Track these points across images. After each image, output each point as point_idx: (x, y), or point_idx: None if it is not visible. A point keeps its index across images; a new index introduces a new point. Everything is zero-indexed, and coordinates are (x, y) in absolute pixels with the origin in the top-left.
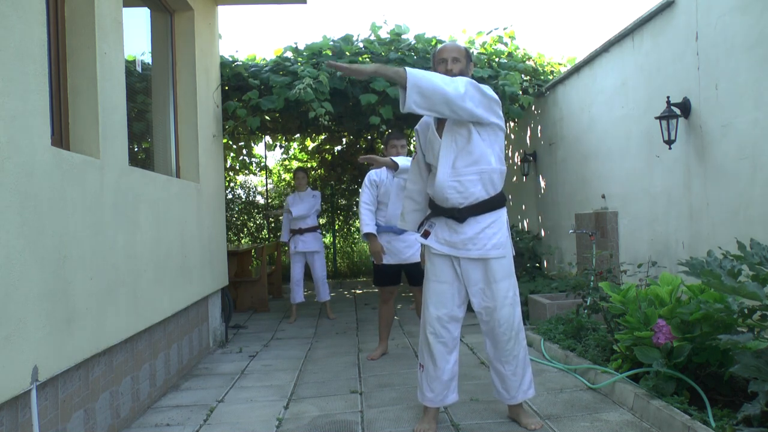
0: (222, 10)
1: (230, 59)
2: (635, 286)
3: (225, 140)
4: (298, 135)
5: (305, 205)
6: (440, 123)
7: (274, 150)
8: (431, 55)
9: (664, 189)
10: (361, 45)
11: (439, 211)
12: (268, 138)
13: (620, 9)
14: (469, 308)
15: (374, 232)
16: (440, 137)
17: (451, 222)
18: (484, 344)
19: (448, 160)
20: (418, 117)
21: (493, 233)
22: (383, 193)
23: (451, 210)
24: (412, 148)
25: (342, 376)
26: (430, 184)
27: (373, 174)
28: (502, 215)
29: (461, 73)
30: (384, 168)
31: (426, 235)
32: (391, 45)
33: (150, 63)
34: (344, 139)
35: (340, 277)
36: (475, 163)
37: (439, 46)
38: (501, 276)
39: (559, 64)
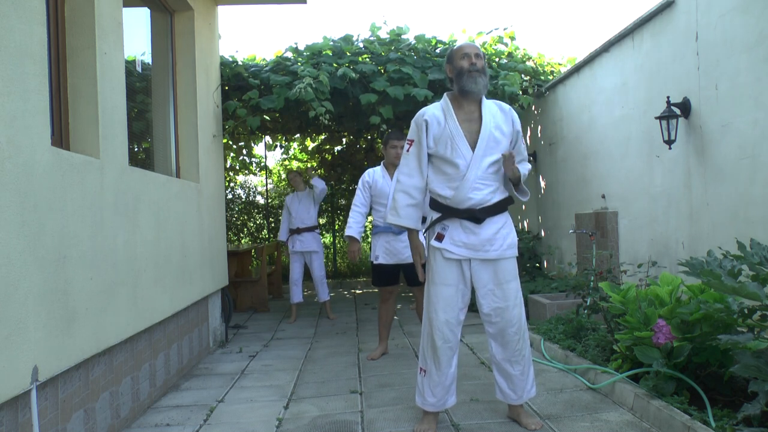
0: (222, 10)
1: (230, 59)
2: (635, 286)
3: (225, 140)
4: (298, 135)
5: (303, 206)
6: (462, 115)
7: (274, 150)
8: (448, 55)
9: (664, 189)
10: (361, 45)
11: (452, 212)
12: (268, 138)
13: (620, 9)
14: (470, 309)
15: (355, 236)
16: (466, 136)
17: (466, 223)
18: (489, 347)
19: (483, 162)
20: None
21: (507, 233)
22: (378, 194)
23: (469, 211)
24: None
25: (342, 376)
26: (443, 181)
27: (366, 175)
28: (509, 216)
29: (483, 69)
30: (378, 168)
31: (440, 238)
32: (391, 45)
33: (150, 63)
34: (344, 139)
35: (340, 277)
36: (497, 171)
37: (456, 45)
38: (511, 276)
39: (559, 64)
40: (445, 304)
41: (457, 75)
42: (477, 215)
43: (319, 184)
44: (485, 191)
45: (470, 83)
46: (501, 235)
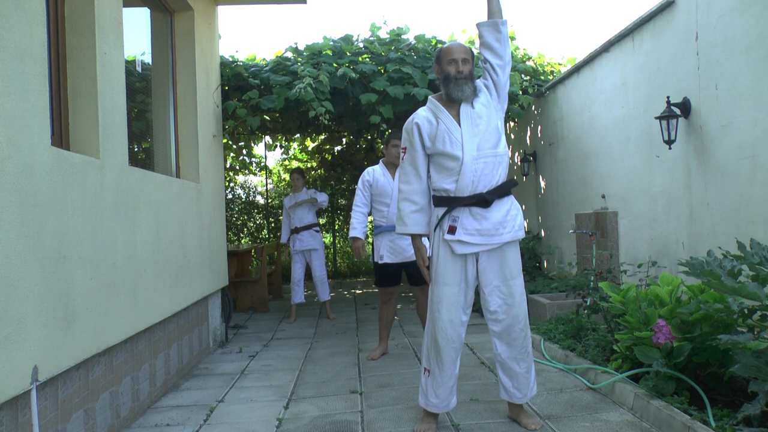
0: (222, 10)
1: (230, 59)
2: (635, 286)
3: (225, 140)
4: (298, 135)
5: (301, 206)
6: (452, 111)
7: (274, 150)
8: (436, 55)
9: (664, 189)
10: (361, 45)
11: (459, 202)
12: (268, 138)
13: (620, 9)
14: (473, 309)
15: (360, 236)
16: (459, 124)
17: (475, 210)
18: (494, 347)
19: (473, 142)
20: None
21: (515, 215)
22: (379, 193)
23: (475, 196)
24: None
25: (342, 376)
26: (447, 176)
27: (365, 174)
28: (514, 198)
29: (471, 74)
30: (377, 166)
31: (452, 230)
32: (391, 45)
33: (150, 63)
34: (344, 139)
35: (340, 277)
36: (495, 146)
37: (445, 45)
38: (516, 272)
39: (559, 64)
40: (448, 303)
41: (443, 80)
42: (486, 197)
43: (321, 197)
44: (487, 170)
45: (456, 91)
46: (511, 216)
